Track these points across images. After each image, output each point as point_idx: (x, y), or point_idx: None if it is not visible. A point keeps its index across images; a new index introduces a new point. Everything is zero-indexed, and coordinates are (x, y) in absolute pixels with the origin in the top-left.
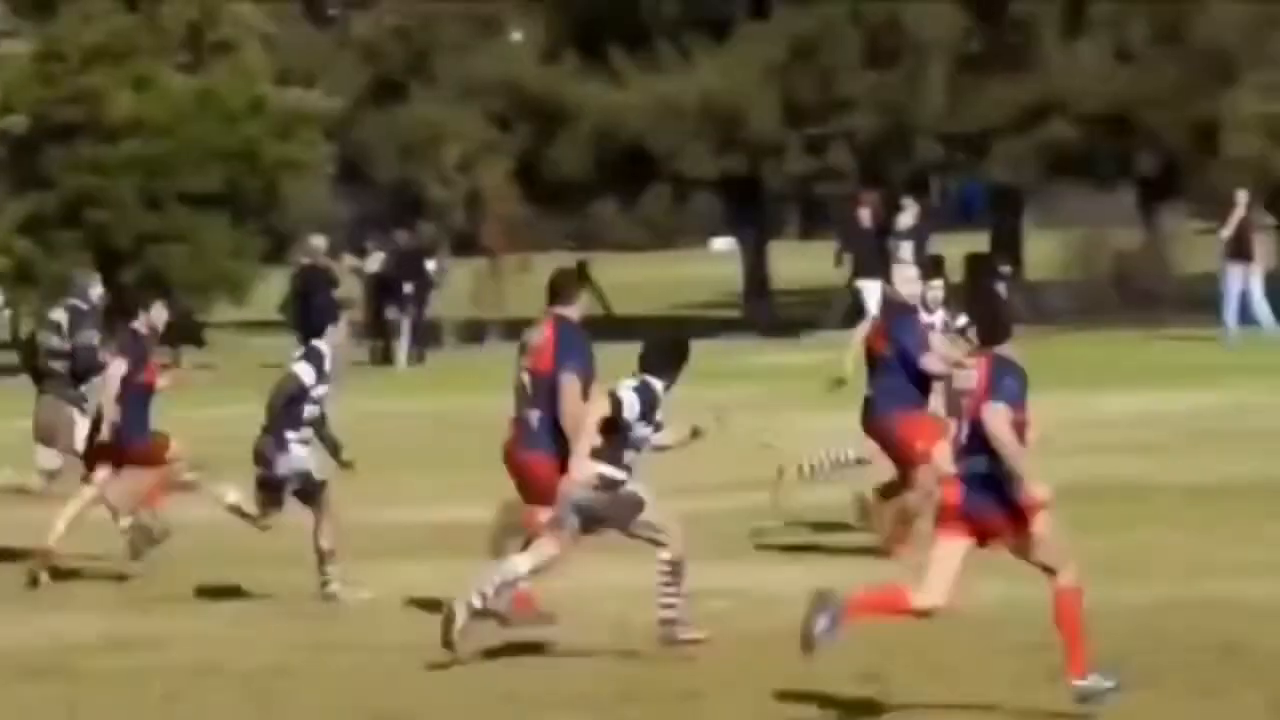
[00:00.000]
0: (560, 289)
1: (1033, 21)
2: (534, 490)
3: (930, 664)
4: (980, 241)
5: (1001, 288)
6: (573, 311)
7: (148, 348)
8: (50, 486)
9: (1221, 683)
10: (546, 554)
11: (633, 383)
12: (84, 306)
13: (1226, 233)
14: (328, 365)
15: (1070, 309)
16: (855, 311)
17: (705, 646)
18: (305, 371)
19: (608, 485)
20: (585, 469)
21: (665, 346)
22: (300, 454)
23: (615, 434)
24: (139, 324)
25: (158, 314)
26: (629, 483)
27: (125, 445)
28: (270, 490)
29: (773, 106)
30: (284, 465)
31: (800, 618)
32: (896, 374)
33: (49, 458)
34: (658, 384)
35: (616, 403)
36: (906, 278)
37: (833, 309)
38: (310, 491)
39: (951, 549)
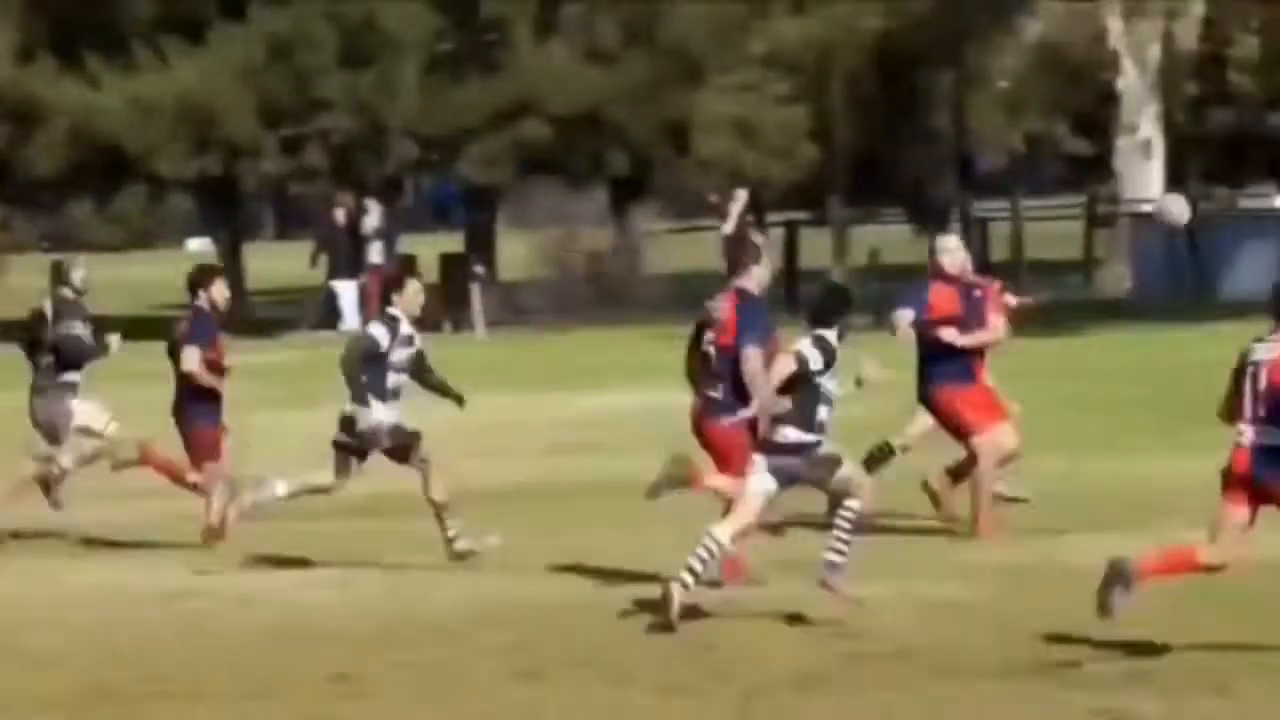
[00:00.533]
0: (737, 261)
1: (505, 22)
2: (722, 459)
3: (404, 664)
4: (455, 242)
5: (475, 288)
6: (751, 282)
7: (214, 325)
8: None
9: (692, 679)
10: (744, 521)
11: (809, 340)
12: (70, 296)
13: (728, 229)
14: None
15: (544, 308)
16: (330, 312)
17: (185, 646)
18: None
19: (799, 450)
20: (774, 430)
21: (831, 297)
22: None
23: (805, 393)
24: (201, 301)
25: (218, 291)
26: (823, 443)
27: (184, 427)
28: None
29: (249, 107)
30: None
31: (1092, 589)
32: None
33: (60, 452)
34: (831, 335)
35: (802, 360)
36: (948, 247)
37: (307, 309)
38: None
39: (1239, 514)
